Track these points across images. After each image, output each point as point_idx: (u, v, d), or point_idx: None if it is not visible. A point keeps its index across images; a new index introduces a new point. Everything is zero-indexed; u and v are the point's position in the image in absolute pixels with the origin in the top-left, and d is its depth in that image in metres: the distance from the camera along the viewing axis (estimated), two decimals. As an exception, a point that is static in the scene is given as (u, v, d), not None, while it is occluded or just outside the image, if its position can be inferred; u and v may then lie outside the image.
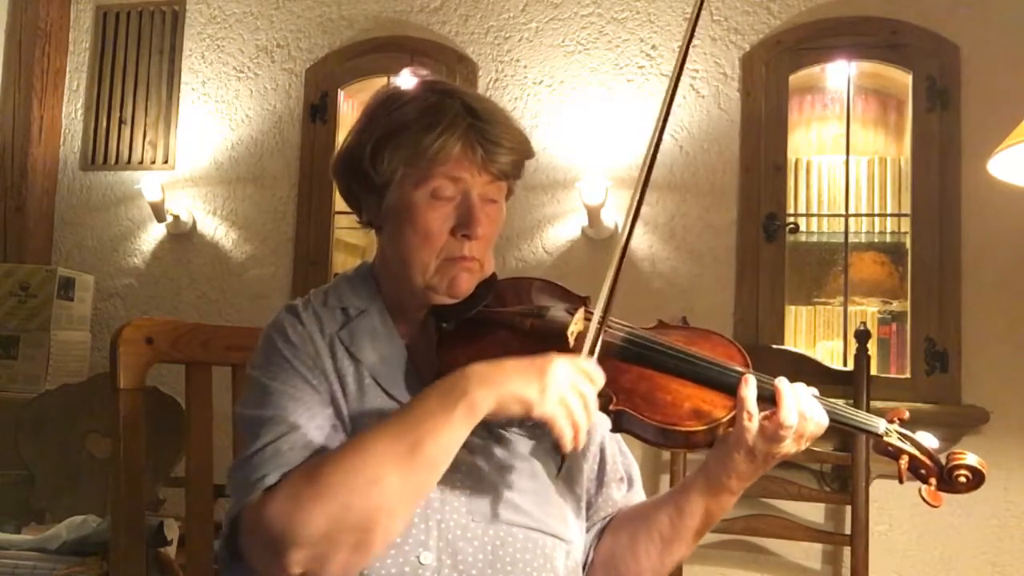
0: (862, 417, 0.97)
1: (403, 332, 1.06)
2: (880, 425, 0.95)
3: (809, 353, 2.53)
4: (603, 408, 0.92)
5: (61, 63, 3.25)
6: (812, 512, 2.41)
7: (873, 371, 2.26)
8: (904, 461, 0.94)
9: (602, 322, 0.94)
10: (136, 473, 1.24)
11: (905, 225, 2.56)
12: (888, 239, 2.72)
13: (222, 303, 3.00)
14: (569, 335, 0.97)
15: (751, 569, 2.47)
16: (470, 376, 0.87)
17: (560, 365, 0.87)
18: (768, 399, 0.93)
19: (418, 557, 0.92)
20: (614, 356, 0.97)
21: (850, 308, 2.61)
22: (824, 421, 0.94)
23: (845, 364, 2.50)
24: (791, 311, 2.64)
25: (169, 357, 1.31)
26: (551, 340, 0.97)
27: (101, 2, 3.25)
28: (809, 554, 2.44)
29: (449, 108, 1.01)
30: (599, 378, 0.89)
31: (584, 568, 1.08)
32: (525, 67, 2.80)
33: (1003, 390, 2.36)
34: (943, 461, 0.94)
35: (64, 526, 1.97)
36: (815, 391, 0.96)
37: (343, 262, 2.99)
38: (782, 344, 2.50)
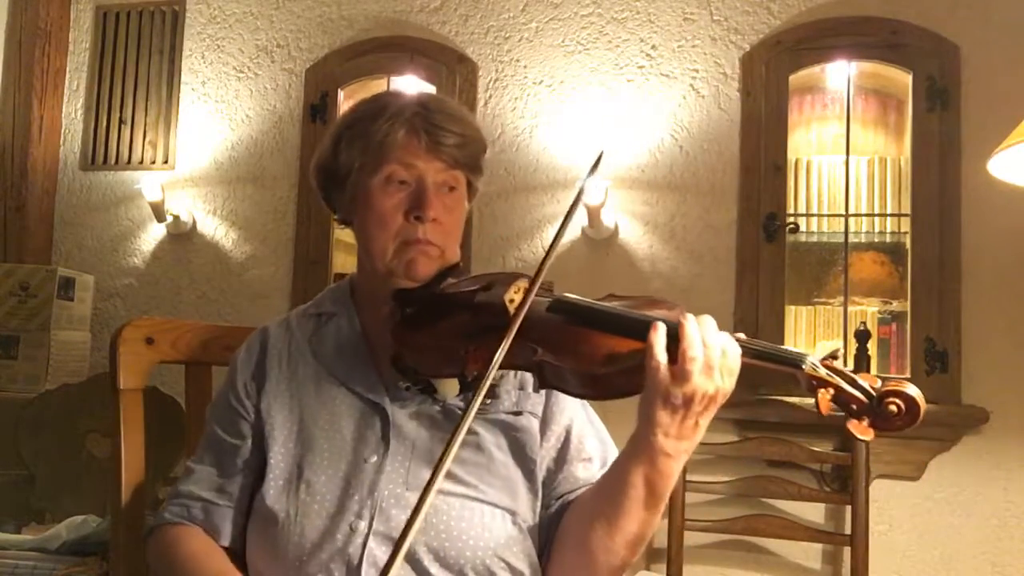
0: (783, 349, 0.90)
1: (368, 326, 1.13)
2: (805, 358, 0.88)
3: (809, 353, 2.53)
4: (528, 360, 0.95)
5: (61, 63, 3.25)
6: (812, 512, 2.41)
7: (873, 371, 2.26)
8: (828, 392, 0.86)
9: (531, 287, 0.98)
10: (136, 473, 1.24)
11: (905, 225, 2.56)
12: (888, 239, 2.72)
13: (222, 303, 3.00)
14: (507, 303, 1.01)
15: (751, 569, 2.47)
16: None
17: None
18: (675, 338, 0.89)
19: (350, 524, 0.99)
20: (544, 315, 1.00)
21: (850, 308, 2.61)
22: (733, 348, 0.88)
23: (845, 364, 2.49)
24: (791, 311, 2.64)
25: (169, 357, 1.31)
26: (494, 310, 1.01)
27: (101, 2, 3.24)
28: (809, 554, 2.44)
29: (398, 101, 1.10)
30: None
31: (547, 545, 1.07)
32: (525, 67, 2.80)
33: (1003, 390, 2.36)
34: (874, 392, 0.86)
35: (64, 526, 1.97)
36: (742, 335, 0.92)
37: (343, 262, 2.99)
38: (782, 344, 2.50)
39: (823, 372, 0.87)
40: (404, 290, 1.07)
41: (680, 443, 0.90)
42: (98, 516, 2.04)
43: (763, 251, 2.55)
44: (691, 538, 2.33)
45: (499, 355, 0.91)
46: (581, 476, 1.08)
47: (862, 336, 2.24)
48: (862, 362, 2.21)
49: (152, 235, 3.08)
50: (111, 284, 3.11)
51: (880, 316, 2.64)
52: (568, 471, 1.09)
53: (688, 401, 0.88)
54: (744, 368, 0.90)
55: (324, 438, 1.05)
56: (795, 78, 2.63)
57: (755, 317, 2.53)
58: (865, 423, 0.86)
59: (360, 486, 1.01)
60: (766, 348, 0.91)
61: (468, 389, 1.00)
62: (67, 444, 2.50)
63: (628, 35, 2.73)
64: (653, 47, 2.70)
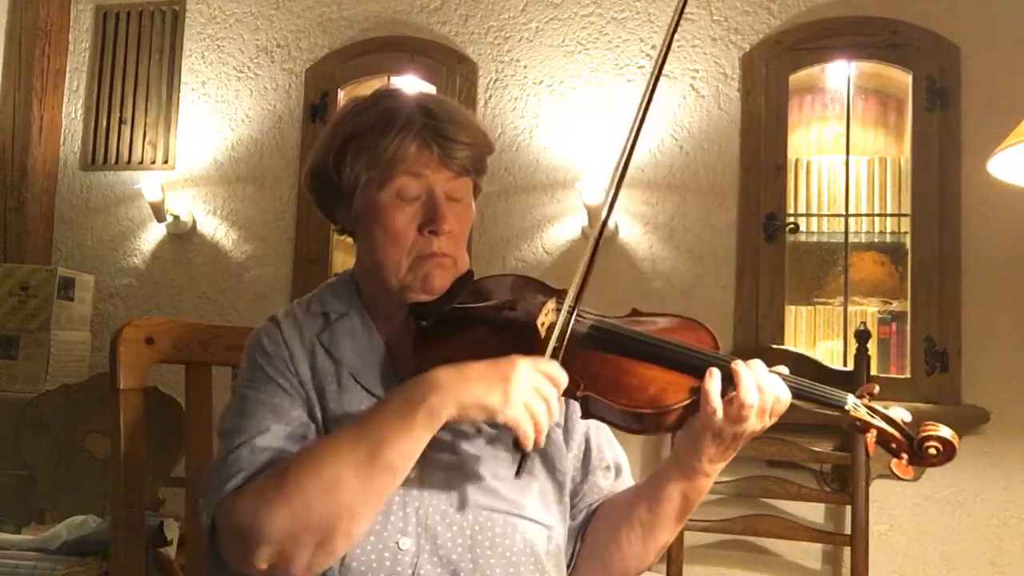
0: (827, 391, 0.96)
1: (384, 333, 1.09)
2: (847, 399, 0.95)
3: (809, 353, 2.53)
4: (571, 394, 0.94)
5: (61, 63, 3.25)
6: (812, 512, 2.41)
7: (873, 371, 2.26)
8: (872, 435, 0.93)
9: (571, 313, 0.96)
10: (136, 473, 1.24)
11: (905, 225, 2.56)
12: (888, 239, 2.72)
13: (222, 303, 3.00)
14: (539, 326, 0.98)
15: (751, 569, 2.47)
16: (431, 383, 0.89)
17: (523, 369, 0.88)
18: (729, 380, 0.93)
19: (397, 543, 0.95)
20: (581, 344, 0.98)
21: (850, 308, 2.61)
22: (785, 394, 0.94)
23: (845, 364, 2.50)
24: (791, 311, 2.64)
25: (169, 357, 1.31)
26: (523, 332, 0.99)
27: (101, 2, 3.24)
28: (809, 554, 2.44)
29: (403, 110, 1.04)
30: (562, 379, 0.90)
31: (573, 555, 1.09)
32: (525, 67, 2.80)
33: (1003, 390, 2.36)
34: (913, 434, 0.93)
35: (64, 526, 1.97)
36: (784, 369, 0.97)
37: (343, 262, 2.99)
38: (782, 344, 2.50)
39: (864, 413, 0.94)
40: (421, 304, 1.04)
41: (719, 464, 0.99)
42: (98, 516, 2.04)
43: (763, 251, 2.55)
44: (691, 538, 2.33)
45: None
46: (604, 486, 1.11)
47: (862, 336, 2.24)
48: (862, 362, 2.21)
49: (152, 235, 3.08)
50: (111, 284, 3.11)
51: (880, 316, 2.64)
52: (592, 481, 1.11)
53: (737, 437, 0.95)
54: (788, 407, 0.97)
55: None
56: (795, 78, 2.63)
57: (755, 317, 2.53)
58: (904, 461, 0.93)
59: (403, 503, 0.97)
60: (812, 391, 0.96)
61: None
62: (67, 444, 2.50)
63: (628, 35, 2.73)
64: (653, 47, 2.70)
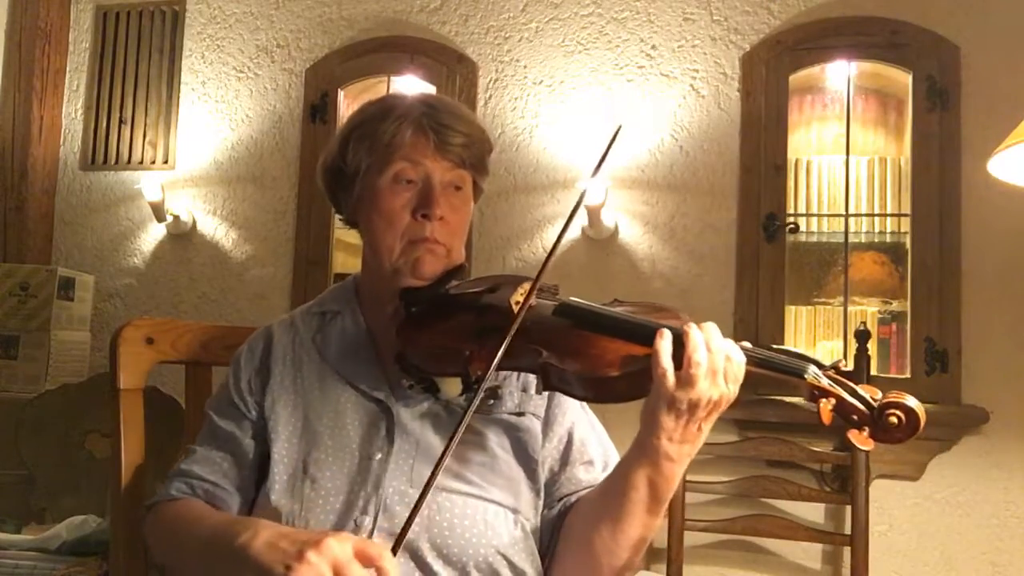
0: (786, 359, 0.93)
1: (372, 323, 1.14)
2: (808, 368, 0.91)
3: (809, 353, 2.52)
4: (533, 363, 0.96)
5: (61, 63, 3.25)
6: (812, 512, 2.41)
7: (873, 371, 2.26)
8: (830, 402, 0.89)
9: (534, 287, 0.99)
10: (136, 473, 1.24)
11: (905, 225, 2.56)
12: (888, 239, 2.72)
13: (222, 303, 3.00)
14: (513, 304, 1.01)
15: (751, 569, 2.47)
16: (250, 545, 0.89)
17: (330, 544, 0.83)
18: (679, 343, 0.91)
19: (355, 521, 0.99)
20: (549, 318, 1.00)
21: (850, 308, 2.61)
22: (737, 355, 0.91)
23: (845, 364, 2.49)
24: (791, 311, 2.64)
25: (169, 357, 1.31)
26: (498, 312, 1.02)
27: (101, 2, 3.25)
28: (809, 554, 2.44)
29: (405, 101, 1.12)
30: (389, 566, 0.84)
31: (549, 547, 1.08)
32: (525, 67, 2.80)
33: (1003, 390, 2.36)
34: (875, 403, 0.88)
35: (64, 526, 1.97)
36: (747, 344, 0.94)
37: (343, 262, 2.99)
38: (782, 344, 2.50)
39: (825, 382, 0.91)
40: (410, 289, 1.08)
41: (683, 447, 0.93)
42: (98, 516, 2.04)
43: (763, 251, 2.55)
44: (691, 538, 2.33)
45: (500, 352, 0.92)
46: (583, 478, 1.10)
47: (862, 336, 2.24)
48: (862, 362, 2.21)
49: (152, 235, 3.08)
50: (111, 284, 3.11)
51: (880, 316, 2.64)
52: (571, 473, 1.10)
53: (693, 406, 0.90)
54: (748, 375, 0.93)
55: (329, 435, 1.06)
56: (795, 78, 2.63)
57: (755, 317, 2.53)
58: (865, 433, 0.88)
59: (365, 483, 1.01)
60: (769, 356, 0.93)
61: (471, 389, 1.00)
62: (67, 444, 2.50)
63: (628, 35, 2.73)
64: (653, 47, 2.70)
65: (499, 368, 0.94)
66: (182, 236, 3.05)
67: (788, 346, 0.95)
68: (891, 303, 2.66)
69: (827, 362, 0.96)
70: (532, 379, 1.07)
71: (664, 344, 0.90)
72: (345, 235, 3.02)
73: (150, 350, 1.28)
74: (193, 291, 3.03)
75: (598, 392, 0.95)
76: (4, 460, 2.53)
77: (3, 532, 2.05)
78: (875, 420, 0.88)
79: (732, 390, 0.91)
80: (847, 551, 2.25)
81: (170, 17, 3.16)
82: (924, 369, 2.39)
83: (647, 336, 0.92)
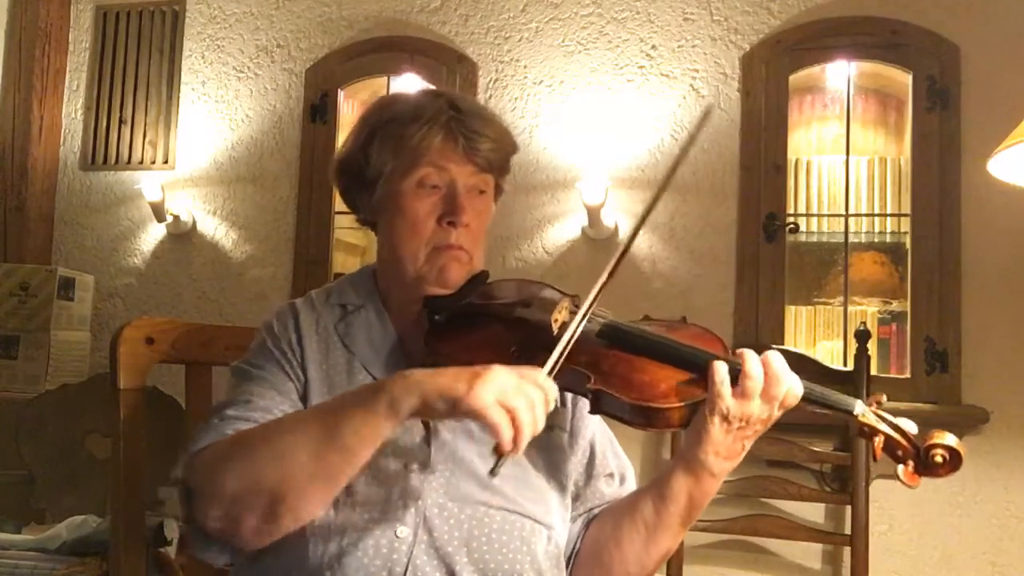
0: (837, 396, 0.96)
1: (398, 326, 1.10)
2: (856, 404, 0.94)
3: (809, 353, 2.53)
4: (582, 389, 0.95)
5: (61, 63, 3.25)
6: (812, 512, 2.41)
7: (873, 371, 2.25)
8: (879, 440, 0.93)
9: (588, 310, 0.96)
10: (136, 473, 1.24)
11: (905, 225, 2.56)
12: (888, 239, 2.72)
13: (222, 303, 3.00)
14: (553, 323, 0.99)
15: (751, 569, 2.47)
16: (402, 376, 0.87)
17: (499, 370, 0.85)
18: (737, 367, 0.94)
19: (395, 531, 0.96)
20: (593, 340, 0.99)
21: (850, 308, 2.61)
22: (796, 387, 0.93)
23: (845, 364, 2.50)
24: (791, 311, 2.64)
25: (169, 357, 1.31)
26: (536, 329, 0.99)
27: (101, 2, 3.24)
28: (809, 554, 2.44)
29: (433, 104, 1.07)
30: (547, 385, 0.86)
31: (571, 559, 1.09)
32: (525, 67, 2.80)
33: (1003, 390, 2.36)
34: (920, 442, 0.93)
35: (64, 526, 1.97)
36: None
37: (343, 262, 2.99)
38: (782, 344, 2.50)
39: (872, 419, 0.94)
40: (435, 297, 1.05)
41: (727, 463, 0.96)
42: (98, 516, 2.04)
43: (763, 251, 2.55)
44: (691, 538, 2.33)
45: (560, 356, 0.91)
46: (606, 492, 1.10)
47: (862, 336, 2.24)
48: (862, 362, 2.21)
49: (152, 235, 3.09)
50: (111, 284, 3.11)
51: (880, 316, 2.64)
52: (595, 486, 1.10)
53: (745, 425, 0.93)
54: (797, 407, 0.96)
55: None
56: (795, 78, 2.63)
57: (755, 317, 2.52)
58: (910, 468, 0.92)
59: (404, 494, 0.98)
60: (823, 394, 0.96)
61: None
62: (67, 444, 2.50)
63: (628, 35, 2.73)
64: (653, 47, 2.70)
65: None
66: (182, 236, 3.05)
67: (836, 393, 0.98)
68: (891, 303, 2.66)
69: (830, 363, 0.97)
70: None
71: (720, 369, 0.92)
72: (345, 235, 3.02)
73: (150, 350, 1.28)
74: (193, 291, 3.03)
75: (651, 420, 0.94)
76: (4, 460, 2.53)
77: (3, 532, 2.05)
78: (920, 458, 0.92)
79: (779, 414, 0.94)
80: (847, 551, 2.25)
81: (170, 17, 3.16)
82: (924, 369, 2.39)
83: (702, 366, 0.93)
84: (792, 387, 0.93)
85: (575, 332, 0.94)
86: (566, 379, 0.94)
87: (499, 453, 0.84)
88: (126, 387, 1.24)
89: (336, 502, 0.96)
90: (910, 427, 0.93)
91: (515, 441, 0.82)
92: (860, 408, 0.94)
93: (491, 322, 1.04)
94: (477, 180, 1.08)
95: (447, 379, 0.84)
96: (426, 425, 1.03)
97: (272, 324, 1.09)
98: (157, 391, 2.37)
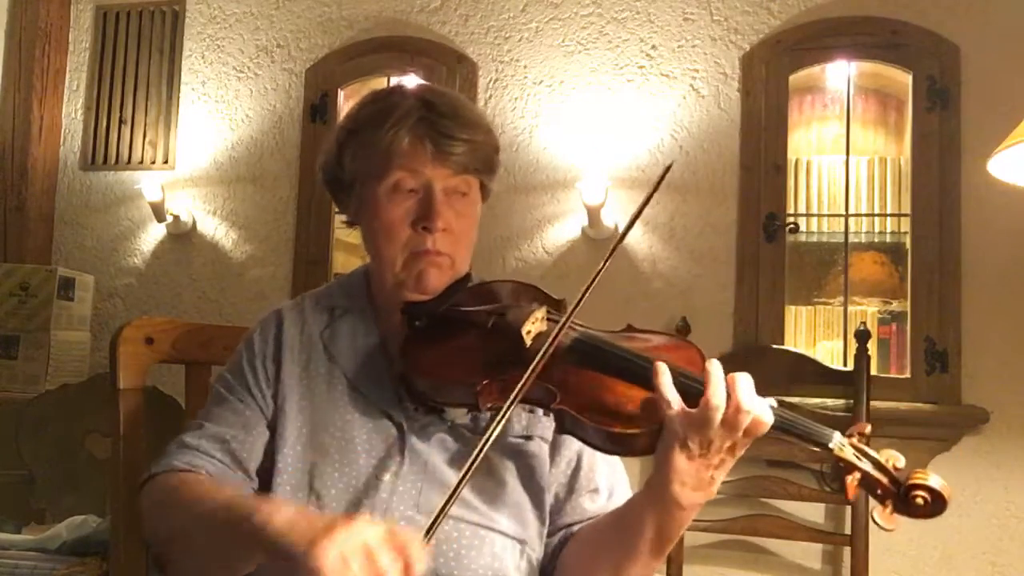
0: (811, 425, 0.88)
1: (384, 329, 1.09)
2: (832, 437, 0.87)
3: (809, 353, 2.53)
4: (546, 406, 0.92)
5: (61, 63, 3.25)
6: (812, 512, 2.41)
7: (873, 371, 2.25)
8: (855, 477, 0.85)
9: (560, 327, 0.92)
10: (136, 473, 1.24)
11: (905, 225, 2.56)
12: (888, 239, 2.72)
13: (222, 303, 3.00)
14: (525, 334, 0.95)
15: (751, 569, 2.47)
16: (269, 521, 0.80)
17: (356, 529, 0.75)
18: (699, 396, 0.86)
19: None
20: (563, 356, 0.94)
21: (850, 308, 2.61)
22: (764, 415, 0.85)
23: (845, 364, 2.50)
24: (791, 311, 2.64)
25: (169, 357, 1.31)
26: (508, 338, 0.95)
27: (101, 2, 3.24)
28: (809, 554, 2.44)
29: (403, 104, 1.03)
30: (416, 559, 0.75)
31: (548, 572, 1.05)
32: (525, 67, 2.80)
33: (1003, 390, 2.36)
34: (902, 480, 0.85)
35: (64, 526, 1.97)
36: (772, 401, 0.89)
37: (343, 262, 2.99)
38: (782, 344, 2.50)
39: (849, 453, 0.86)
40: (414, 303, 1.04)
41: (695, 494, 0.88)
42: (98, 516, 2.04)
43: (763, 251, 2.55)
44: (691, 538, 2.33)
45: (513, 399, 0.86)
46: (588, 508, 1.05)
47: (862, 336, 2.24)
48: (862, 362, 2.21)
49: (152, 235, 3.08)
50: (111, 284, 3.11)
51: (880, 316, 2.64)
52: (576, 502, 1.05)
53: (707, 452, 0.86)
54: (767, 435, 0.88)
55: (336, 447, 1.01)
56: (795, 78, 2.63)
57: (755, 317, 2.52)
58: (888, 509, 0.85)
59: (372, 506, 0.96)
60: (794, 422, 0.88)
61: (477, 410, 0.96)
62: (67, 444, 2.50)
63: (628, 35, 2.73)
64: (653, 47, 2.70)
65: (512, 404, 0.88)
66: (182, 236, 3.05)
67: (816, 424, 0.89)
68: (891, 303, 2.66)
69: (830, 363, 0.93)
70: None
71: (664, 379, 0.86)
72: (345, 235, 3.02)
73: (150, 350, 1.28)
74: (193, 291, 3.03)
75: (614, 446, 0.90)
76: (4, 460, 2.53)
77: (3, 532, 2.05)
78: (900, 497, 0.85)
79: (747, 442, 0.87)
80: (847, 551, 2.25)
81: (170, 17, 3.16)
82: (924, 369, 2.39)
83: (650, 377, 0.87)
84: (759, 416, 0.85)
85: (538, 363, 0.88)
86: (534, 394, 0.91)
87: None
88: (126, 387, 1.24)
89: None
90: (896, 459, 0.86)
91: None
92: (837, 441, 0.87)
93: (467, 331, 1.01)
94: (456, 182, 1.05)
95: (294, 535, 0.77)
96: (400, 432, 1.01)
97: (253, 339, 1.09)
98: (157, 391, 2.37)
